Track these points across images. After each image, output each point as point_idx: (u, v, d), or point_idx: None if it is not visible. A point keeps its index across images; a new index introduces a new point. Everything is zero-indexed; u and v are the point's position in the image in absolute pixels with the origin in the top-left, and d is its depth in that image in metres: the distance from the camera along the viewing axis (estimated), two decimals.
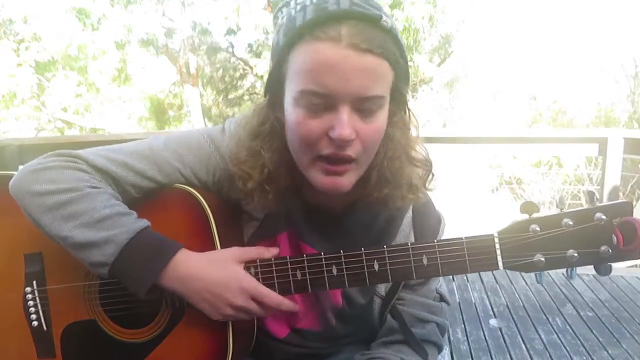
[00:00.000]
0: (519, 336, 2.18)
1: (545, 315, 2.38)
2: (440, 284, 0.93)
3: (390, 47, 0.69)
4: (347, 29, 0.66)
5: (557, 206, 0.74)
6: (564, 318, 2.35)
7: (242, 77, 14.19)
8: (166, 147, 0.84)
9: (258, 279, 0.78)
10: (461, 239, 0.74)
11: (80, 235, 0.74)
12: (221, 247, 0.80)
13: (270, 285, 0.78)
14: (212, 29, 12.65)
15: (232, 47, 13.19)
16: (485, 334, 2.20)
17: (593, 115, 13.03)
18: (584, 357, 2.01)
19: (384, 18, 0.68)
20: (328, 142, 0.70)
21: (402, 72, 0.73)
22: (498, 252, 0.73)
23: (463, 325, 2.28)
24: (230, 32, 12.33)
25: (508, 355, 2.02)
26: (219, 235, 0.81)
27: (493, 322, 2.32)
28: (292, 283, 0.78)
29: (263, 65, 11.50)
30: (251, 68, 12.73)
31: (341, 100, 0.68)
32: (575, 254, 0.71)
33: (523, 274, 2.87)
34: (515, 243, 0.73)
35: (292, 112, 0.72)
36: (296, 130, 0.72)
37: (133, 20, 11.31)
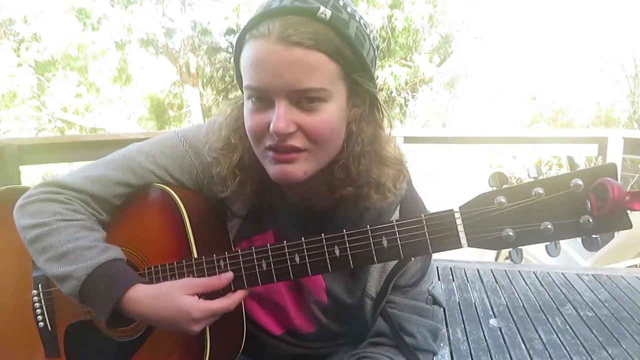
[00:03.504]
0: (518, 336, 2.18)
1: (545, 315, 2.38)
2: (434, 285, 0.90)
3: (328, 38, 0.68)
4: (279, 23, 0.68)
5: (528, 175, 0.65)
6: (564, 318, 2.35)
7: None
8: (139, 151, 0.87)
9: (227, 272, 0.79)
10: (420, 216, 0.69)
11: (49, 269, 0.80)
12: (196, 245, 0.82)
13: (238, 278, 0.79)
14: (212, 29, 12.65)
15: (232, 47, 13.16)
16: (485, 333, 2.20)
17: (593, 115, 13.03)
18: (584, 357, 2.01)
19: (322, 10, 0.68)
20: (271, 135, 0.72)
21: (351, 62, 0.71)
22: (460, 228, 0.67)
23: (463, 325, 2.28)
24: (230, 32, 12.32)
25: (508, 355, 2.02)
26: (193, 233, 0.82)
27: (493, 322, 2.32)
28: (258, 274, 0.78)
29: None
30: None
31: (276, 94, 0.69)
32: (550, 226, 0.63)
33: (522, 273, 2.87)
34: (479, 217, 0.66)
35: (245, 108, 0.75)
36: (246, 124, 0.75)
37: (133, 20, 11.29)
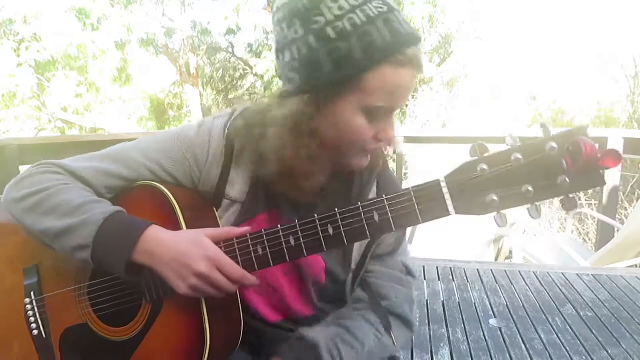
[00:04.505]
0: (518, 336, 2.18)
1: (545, 315, 2.38)
2: (407, 259, 0.98)
3: None
4: (417, 52, 0.75)
5: (506, 144, 0.70)
6: (564, 318, 2.35)
7: (242, 77, 14.18)
8: (135, 146, 0.89)
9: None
10: (408, 189, 0.72)
11: (59, 223, 0.77)
12: None
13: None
14: (212, 29, 12.66)
15: (232, 47, 13.17)
16: (485, 334, 2.20)
17: (593, 115, 13.03)
18: (584, 357, 2.01)
19: (420, 34, 0.78)
20: (375, 141, 0.81)
21: None
22: (447, 196, 0.70)
23: (463, 325, 2.28)
24: (230, 32, 12.32)
25: (508, 355, 2.02)
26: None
27: (493, 322, 2.32)
28: (254, 259, 0.78)
29: (263, 65, 11.47)
30: (251, 68, 12.71)
31: (394, 111, 0.80)
32: (531, 189, 0.67)
33: (522, 273, 2.87)
34: (464, 185, 0.69)
35: (351, 118, 0.78)
36: (353, 133, 0.79)
37: (133, 20, 11.28)
